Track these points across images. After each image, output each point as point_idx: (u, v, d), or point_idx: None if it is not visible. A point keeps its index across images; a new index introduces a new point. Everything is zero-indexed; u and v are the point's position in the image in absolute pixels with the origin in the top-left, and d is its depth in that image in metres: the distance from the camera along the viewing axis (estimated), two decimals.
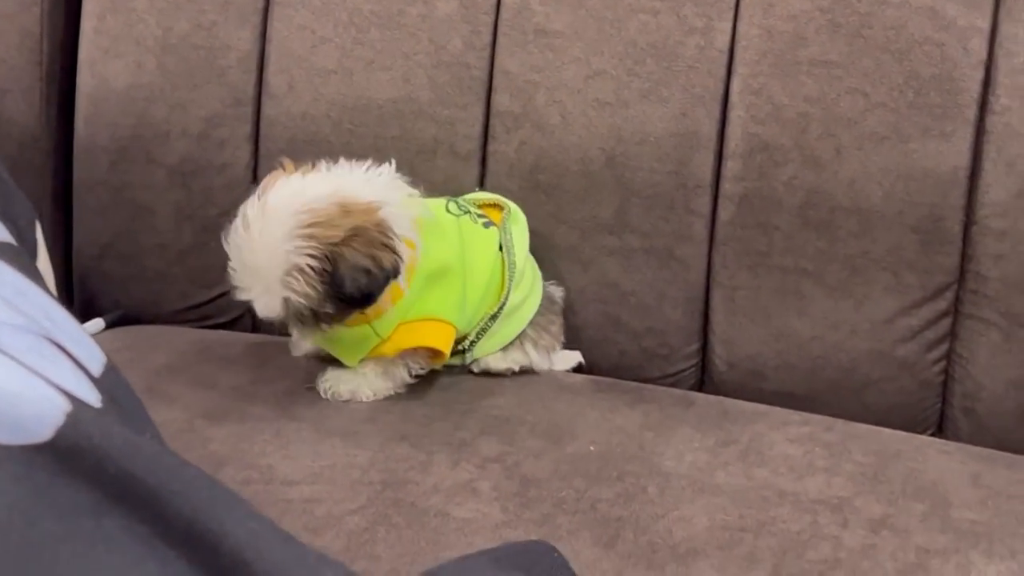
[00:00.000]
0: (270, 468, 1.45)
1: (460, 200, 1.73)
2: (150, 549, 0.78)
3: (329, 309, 1.52)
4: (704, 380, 1.87)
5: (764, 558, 1.34)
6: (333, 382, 1.65)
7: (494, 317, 1.71)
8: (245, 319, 1.99)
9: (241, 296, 1.53)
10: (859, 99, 1.71)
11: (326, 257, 1.48)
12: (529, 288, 1.75)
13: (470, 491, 1.43)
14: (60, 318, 0.94)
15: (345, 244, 1.48)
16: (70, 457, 0.79)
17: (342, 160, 1.59)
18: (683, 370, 1.86)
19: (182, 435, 1.51)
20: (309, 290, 1.49)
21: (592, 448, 1.55)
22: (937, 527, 1.42)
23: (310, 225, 1.47)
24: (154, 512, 0.79)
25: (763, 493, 1.47)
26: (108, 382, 0.92)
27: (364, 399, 1.64)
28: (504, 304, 1.71)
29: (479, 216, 1.74)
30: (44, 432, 0.79)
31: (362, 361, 1.66)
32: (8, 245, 1.02)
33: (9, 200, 1.12)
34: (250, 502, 0.86)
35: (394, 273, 1.52)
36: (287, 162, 1.57)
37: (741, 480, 1.50)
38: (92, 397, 0.87)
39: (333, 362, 1.71)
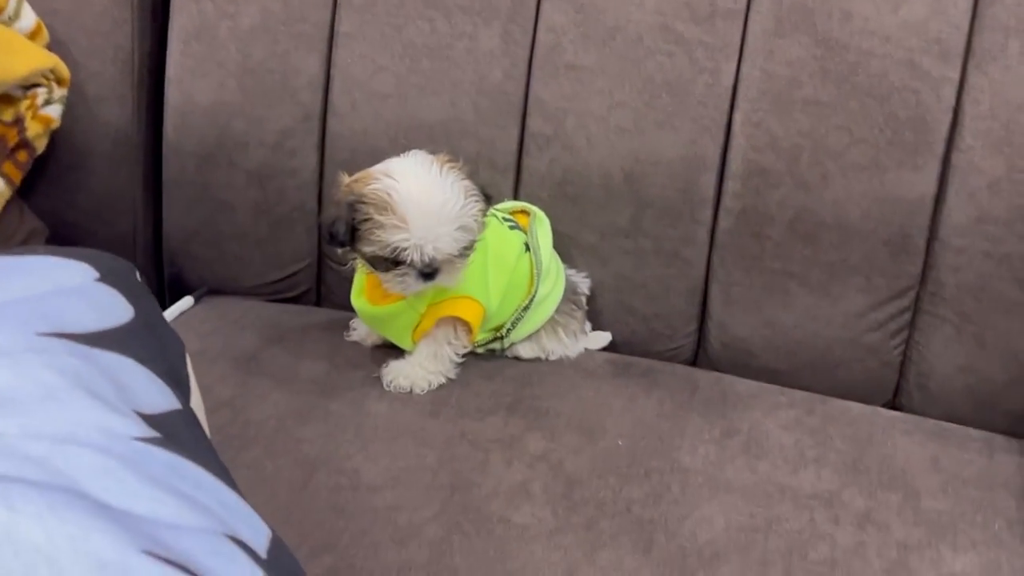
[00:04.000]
0: (356, 473, 1.39)
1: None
2: None
3: (480, 225, 1.49)
4: (699, 354, 1.82)
5: (775, 561, 1.31)
6: (394, 375, 1.58)
7: (526, 308, 1.65)
8: (310, 293, 1.94)
9: (418, 248, 1.43)
10: (844, 135, 1.62)
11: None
12: (553, 282, 1.68)
13: (524, 494, 1.38)
14: (231, 500, 0.85)
15: None
16: None
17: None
18: (682, 345, 1.80)
19: (278, 436, 1.45)
20: (477, 212, 1.47)
21: (620, 443, 1.49)
22: (911, 520, 1.40)
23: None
24: None
25: (767, 488, 1.43)
26: (273, 556, 0.84)
27: (421, 391, 1.57)
28: (534, 296, 1.65)
29: (505, 220, 1.67)
30: None
31: (415, 345, 1.60)
32: (178, 413, 0.93)
33: (163, 341, 1.01)
34: None
35: None
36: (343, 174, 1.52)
37: (747, 475, 1.46)
38: None
39: (394, 352, 1.65)
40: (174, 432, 0.89)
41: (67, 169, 1.85)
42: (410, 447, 1.45)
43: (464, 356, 1.63)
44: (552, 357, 1.70)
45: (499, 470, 1.42)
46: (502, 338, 1.67)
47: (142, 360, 0.94)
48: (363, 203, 1.44)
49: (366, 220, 1.43)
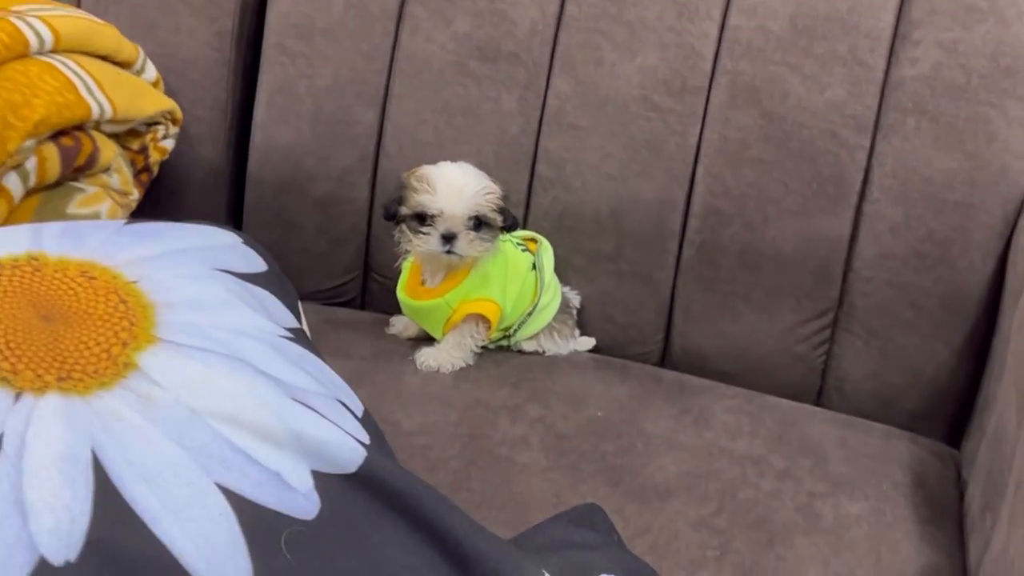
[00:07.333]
0: (397, 423, 1.63)
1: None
2: (420, 547, 0.99)
3: (496, 221, 1.77)
4: (666, 356, 2.04)
5: (712, 498, 1.55)
6: (425, 358, 1.86)
7: (530, 314, 1.92)
8: (356, 300, 2.18)
9: (440, 209, 1.74)
10: (781, 187, 1.86)
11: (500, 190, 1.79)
12: (552, 296, 1.94)
13: (525, 444, 1.62)
14: (338, 382, 1.17)
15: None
16: (370, 485, 1.01)
17: None
18: (652, 350, 2.04)
19: None
20: (493, 204, 1.77)
21: (599, 414, 1.73)
22: (819, 477, 1.62)
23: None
24: (419, 520, 1.01)
25: (710, 449, 1.66)
26: (367, 422, 1.15)
27: (446, 371, 1.85)
28: (536, 304, 1.92)
29: (518, 244, 1.94)
30: (350, 467, 1.01)
31: (444, 335, 1.88)
32: (299, 330, 1.25)
33: (285, 288, 1.33)
34: (461, 509, 1.07)
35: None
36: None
37: (695, 439, 1.68)
38: (364, 436, 1.09)
39: (424, 342, 1.93)
40: (299, 338, 1.24)
41: (168, 193, 2.11)
42: (438, 408, 1.69)
43: (480, 349, 1.90)
44: (548, 353, 1.97)
45: (506, 426, 1.66)
46: (510, 336, 1.96)
47: (276, 295, 1.28)
48: (410, 180, 1.81)
49: (408, 190, 1.76)
